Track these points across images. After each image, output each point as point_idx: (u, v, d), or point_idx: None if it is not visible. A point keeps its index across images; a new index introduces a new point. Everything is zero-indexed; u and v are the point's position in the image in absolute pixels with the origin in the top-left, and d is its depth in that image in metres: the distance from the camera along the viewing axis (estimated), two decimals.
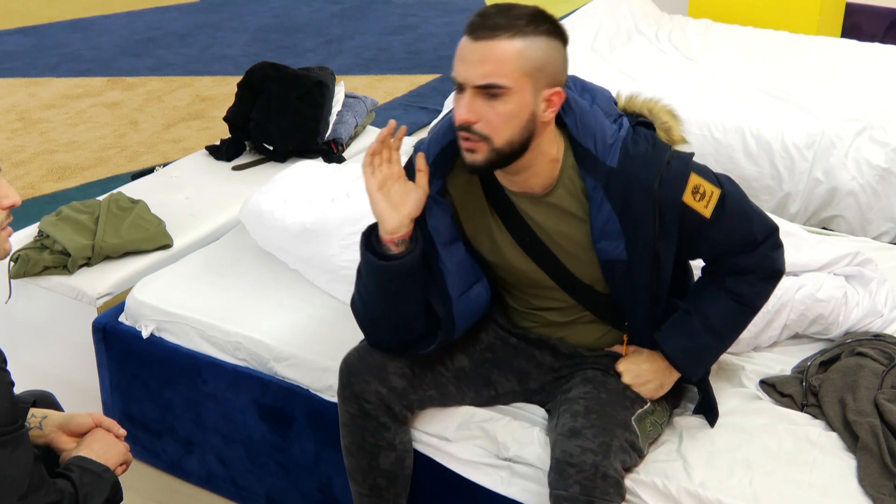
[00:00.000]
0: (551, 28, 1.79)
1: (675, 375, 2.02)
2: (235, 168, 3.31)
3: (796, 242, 2.36)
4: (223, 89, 5.40)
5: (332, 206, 2.55)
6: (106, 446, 1.88)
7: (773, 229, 1.96)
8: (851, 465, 1.93)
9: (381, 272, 1.91)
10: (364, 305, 2.00)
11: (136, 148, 4.71)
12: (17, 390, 1.80)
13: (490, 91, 1.75)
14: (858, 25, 5.16)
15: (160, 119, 5.05)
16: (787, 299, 2.25)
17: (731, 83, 3.88)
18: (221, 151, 3.36)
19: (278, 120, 3.30)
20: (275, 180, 2.77)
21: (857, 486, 1.88)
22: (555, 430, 1.93)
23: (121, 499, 1.91)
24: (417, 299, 1.95)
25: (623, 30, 4.51)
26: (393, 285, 1.92)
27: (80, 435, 1.92)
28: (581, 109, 1.87)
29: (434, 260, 1.94)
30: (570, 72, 1.88)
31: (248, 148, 3.41)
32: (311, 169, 2.83)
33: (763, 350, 2.30)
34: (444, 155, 1.92)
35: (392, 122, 1.87)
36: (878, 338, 2.23)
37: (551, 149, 1.86)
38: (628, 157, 1.85)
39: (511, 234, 1.97)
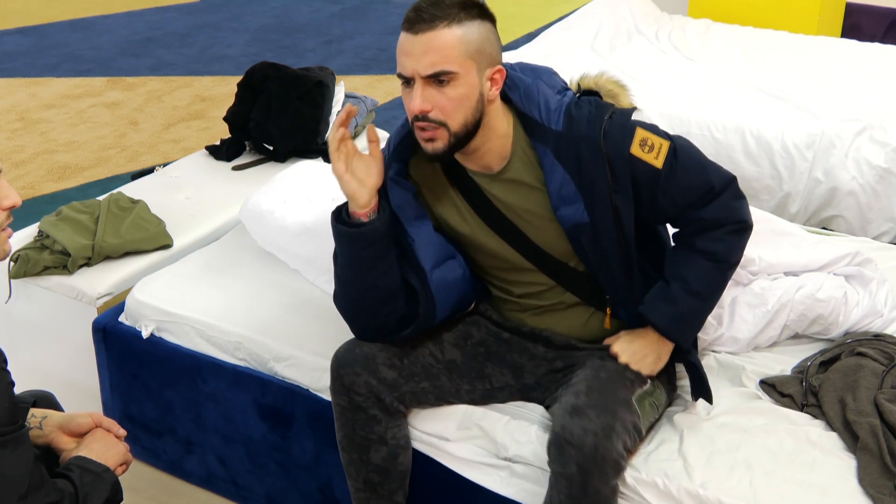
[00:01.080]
0: (480, 11, 1.87)
1: (669, 345, 2.04)
2: (235, 168, 3.32)
3: (796, 242, 2.37)
4: (223, 89, 5.40)
5: (333, 206, 2.54)
6: (106, 446, 1.88)
7: (731, 178, 1.99)
8: (851, 465, 1.93)
9: (354, 240, 1.96)
10: (344, 289, 2.04)
11: (136, 148, 4.71)
12: (17, 390, 1.79)
13: (439, 78, 1.83)
14: (858, 25, 5.16)
15: (160, 119, 5.05)
16: (787, 299, 2.25)
17: (731, 83, 3.88)
18: (221, 151, 3.36)
19: (278, 120, 3.31)
20: (275, 180, 2.77)
21: (857, 486, 1.88)
22: (557, 407, 1.93)
23: (121, 499, 1.91)
24: (393, 273, 1.99)
25: (623, 30, 4.51)
26: (367, 254, 1.97)
27: (80, 435, 1.92)
28: (525, 84, 1.96)
29: (403, 237, 2.00)
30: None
31: (248, 148, 3.41)
32: (311, 169, 2.83)
33: (763, 350, 2.30)
34: (404, 142, 2.00)
35: (349, 106, 1.94)
36: (878, 338, 2.23)
37: (500, 124, 1.94)
38: (573, 120, 1.92)
39: (478, 214, 2.02)
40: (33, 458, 1.67)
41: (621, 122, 1.92)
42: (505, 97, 1.95)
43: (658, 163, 1.91)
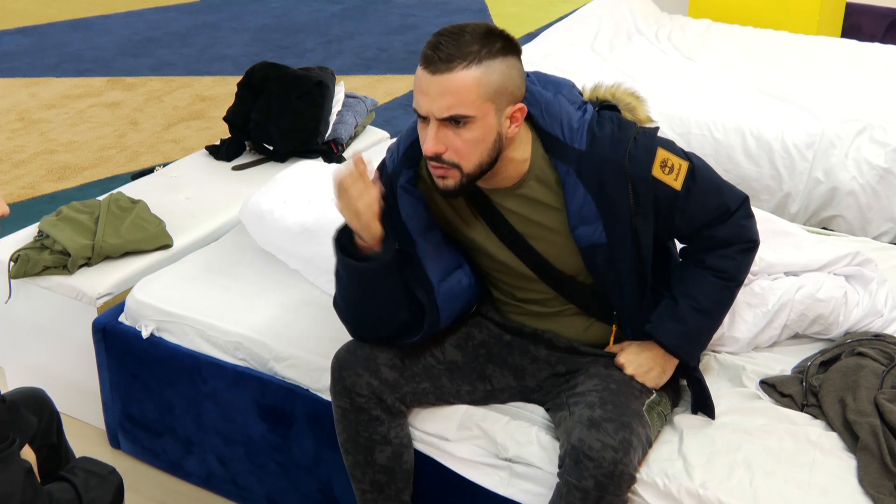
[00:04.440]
0: (504, 45, 1.79)
1: (675, 361, 2.04)
2: (235, 168, 3.32)
3: (796, 242, 2.37)
4: (223, 89, 5.40)
5: (332, 205, 2.55)
6: None
7: (744, 198, 1.99)
8: (851, 465, 1.93)
9: (361, 273, 1.93)
10: (347, 305, 2.02)
11: (136, 148, 4.71)
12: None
13: (455, 121, 1.78)
14: (858, 25, 5.16)
15: (160, 119, 5.05)
16: (787, 299, 2.25)
17: (731, 83, 3.87)
18: (221, 151, 3.36)
19: (278, 120, 3.31)
20: (275, 180, 2.77)
21: (857, 486, 1.88)
22: (570, 419, 1.93)
23: (121, 499, 1.91)
24: (398, 293, 1.97)
25: (623, 30, 4.51)
26: (374, 283, 1.94)
27: None
28: (545, 100, 1.91)
29: (411, 248, 1.97)
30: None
31: (248, 148, 3.41)
32: (311, 169, 2.84)
33: (763, 350, 2.30)
34: (414, 148, 1.95)
35: (358, 156, 1.87)
36: (878, 338, 2.23)
37: (517, 153, 1.90)
38: (595, 140, 1.88)
39: (486, 223, 2.00)
40: (24, 473, 1.65)
41: (645, 143, 1.89)
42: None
43: (677, 184, 1.89)
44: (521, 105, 1.83)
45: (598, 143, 1.88)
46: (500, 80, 1.78)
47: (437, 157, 1.81)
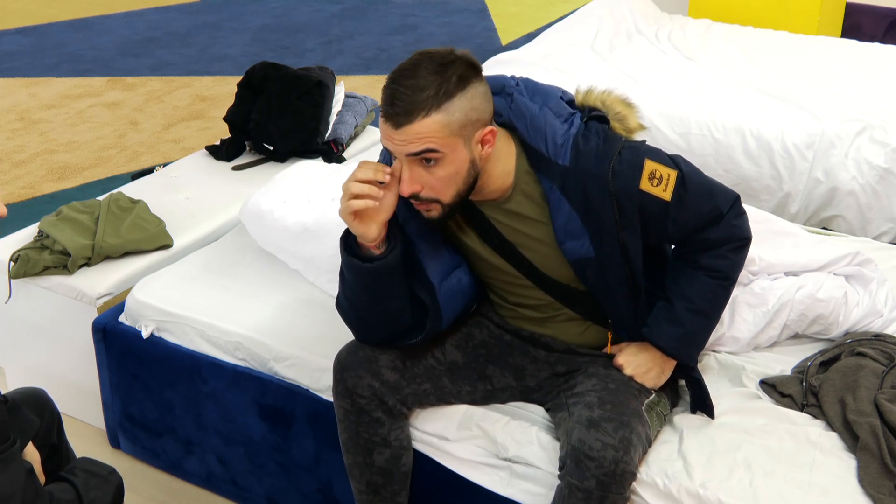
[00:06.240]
0: (461, 76, 1.76)
1: (673, 361, 2.04)
2: (235, 168, 3.32)
3: (796, 242, 2.37)
4: (223, 89, 5.40)
5: (332, 206, 2.55)
6: None
7: (735, 198, 1.98)
8: (851, 465, 1.93)
9: (366, 274, 1.92)
10: (351, 306, 2.01)
11: (136, 148, 4.71)
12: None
13: (425, 156, 1.77)
14: (858, 25, 5.17)
15: (160, 119, 5.05)
16: (787, 299, 2.25)
17: (731, 83, 3.87)
18: (221, 151, 3.36)
19: (278, 120, 3.31)
20: (275, 180, 2.77)
21: (857, 486, 1.88)
22: (569, 420, 1.93)
23: (121, 499, 1.91)
24: (403, 294, 1.97)
25: (623, 30, 4.51)
26: (378, 284, 1.94)
27: None
28: (531, 113, 1.89)
29: (410, 250, 1.96)
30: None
31: (248, 148, 3.41)
32: (311, 169, 2.83)
33: (763, 350, 2.30)
34: None
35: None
36: (878, 338, 2.23)
37: (498, 167, 1.89)
38: (580, 155, 1.87)
39: (480, 234, 2.00)
40: (25, 473, 1.65)
41: (630, 158, 1.88)
42: (510, 124, 1.90)
43: (666, 195, 1.88)
44: (490, 128, 1.81)
45: (583, 159, 1.87)
46: (462, 115, 1.76)
47: (415, 196, 1.81)
